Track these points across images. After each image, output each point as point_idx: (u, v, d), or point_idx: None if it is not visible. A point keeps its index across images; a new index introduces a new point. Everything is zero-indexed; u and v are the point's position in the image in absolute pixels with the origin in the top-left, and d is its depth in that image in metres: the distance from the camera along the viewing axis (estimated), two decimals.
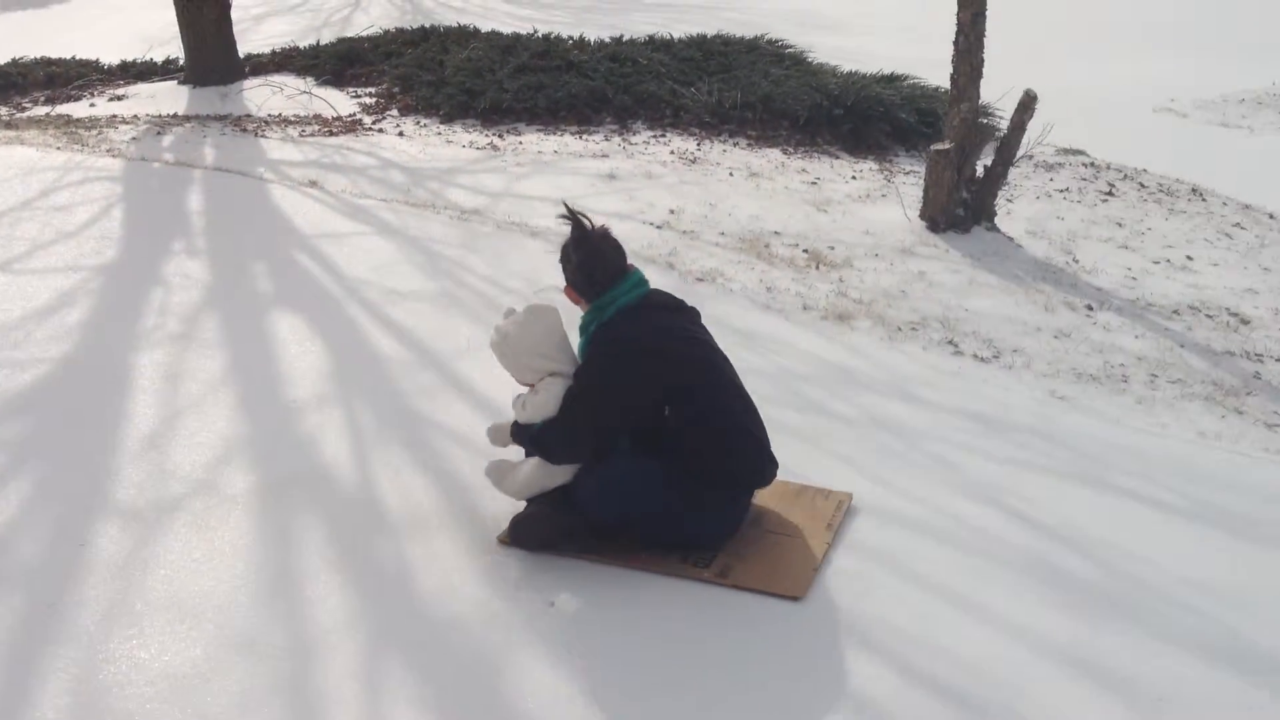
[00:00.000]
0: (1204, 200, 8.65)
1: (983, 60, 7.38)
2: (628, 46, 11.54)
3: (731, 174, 8.41)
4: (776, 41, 12.32)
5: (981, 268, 6.92)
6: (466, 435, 4.62)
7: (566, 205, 3.97)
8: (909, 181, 8.62)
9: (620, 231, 6.97)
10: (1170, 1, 17.23)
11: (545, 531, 3.83)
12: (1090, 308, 6.46)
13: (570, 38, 12.05)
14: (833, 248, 7.05)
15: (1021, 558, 3.99)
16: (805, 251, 6.96)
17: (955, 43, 7.37)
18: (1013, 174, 8.66)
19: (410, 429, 4.70)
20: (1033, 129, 7.55)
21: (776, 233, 7.24)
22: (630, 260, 3.99)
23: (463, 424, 4.72)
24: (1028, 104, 7.33)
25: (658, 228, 7.11)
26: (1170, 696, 3.32)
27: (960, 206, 7.49)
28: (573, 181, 8.00)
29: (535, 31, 12.53)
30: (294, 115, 10.32)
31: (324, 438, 4.62)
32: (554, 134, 9.46)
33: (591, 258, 3.80)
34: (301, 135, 9.48)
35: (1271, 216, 8.38)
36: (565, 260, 3.86)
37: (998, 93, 8.91)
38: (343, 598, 3.66)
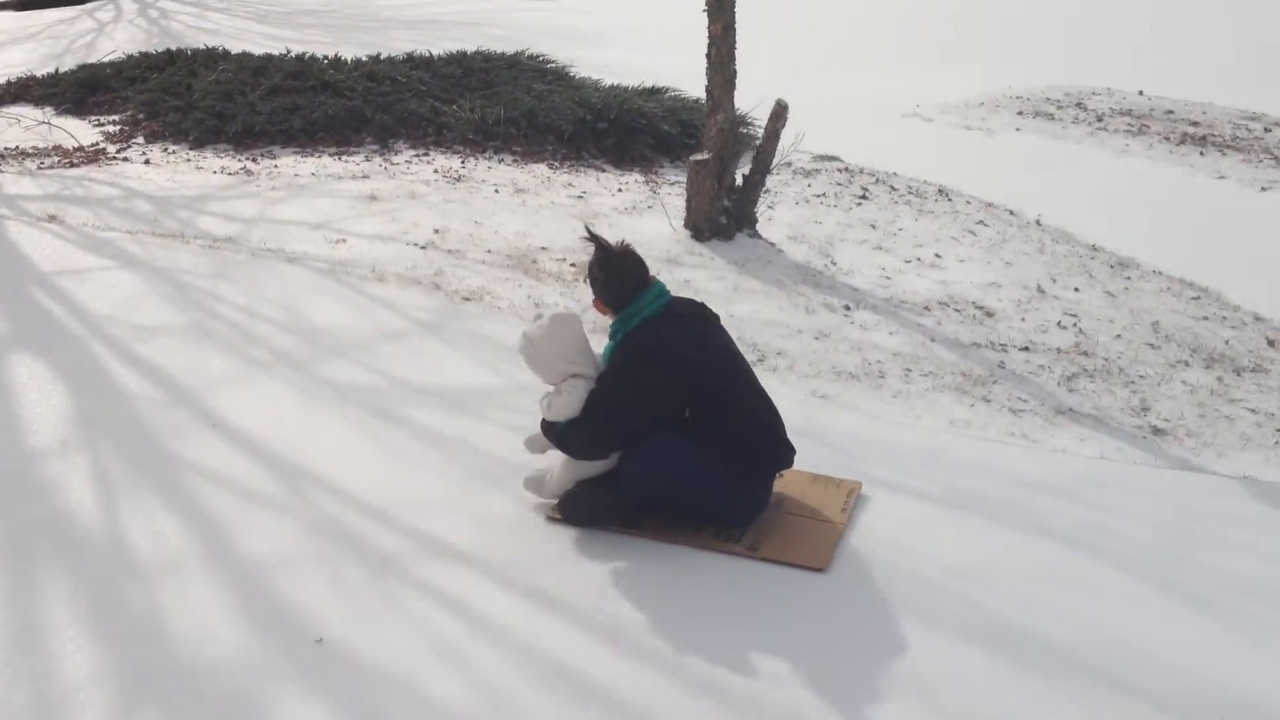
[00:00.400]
0: (950, 200, 9.06)
1: (735, 72, 7.55)
2: (386, 65, 11.37)
3: (497, 191, 8.36)
4: (538, 57, 12.34)
5: (745, 274, 7.07)
6: (221, 472, 4.43)
7: (587, 228, 4.43)
8: (674, 192, 8.74)
9: (381, 254, 6.85)
10: (913, 13, 18.05)
11: (590, 508, 4.14)
12: (848, 308, 6.68)
13: (326, 57, 11.79)
14: None
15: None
16: (573, 266, 6.97)
17: (708, 55, 7.52)
18: (773, 181, 8.90)
19: (161, 470, 4.47)
20: (788, 137, 7.77)
21: (544, 248, 7.23)
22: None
23: (217, 461, 4.52)
24: (780, 113, 7.53)
25: (422, 248, 7.00)
26: (933, 681, 3.43)
27: (723, 215, 7.63)
28: (331, 204, 7.80)
29: (289, 52, 12.21)
30: (32, 147, 9.77)
31: (68, 484, 4.36)
32: (311, 156, 9.23)
33: (616, 274, 4.09)
34: (40, 168, 8.98)
35: (1012, 213, 8.84)
36: (593, 277, 4.14)
37: (756, 103, 9.14)
38: (91, 651, 3.45)
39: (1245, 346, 6.66)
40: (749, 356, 5.86)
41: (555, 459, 4.26)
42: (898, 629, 3.65)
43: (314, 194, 8.11)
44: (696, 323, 4.16)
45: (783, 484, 4.46)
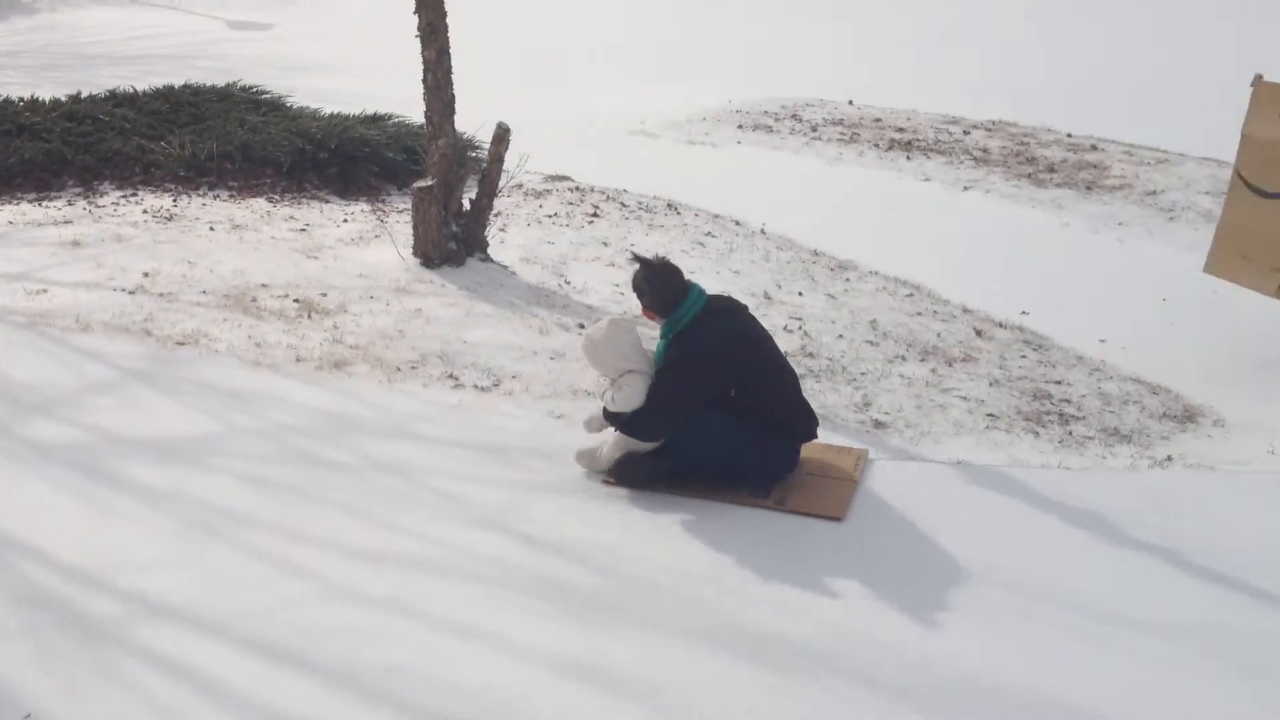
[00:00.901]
0: (679, 214, 9.24)
1: (454, 96, 7.48)
2: (87, 104, 10.76)
3: (213, 228, 8.02)
4: (252, 88, 11.94)
5: (478, 299, 7.00)
6: None
7: (633, 251, 5.32)
8: (402, 220, 8.59)
9: (86, 302, 6.46)
10: (633, 33, 18.40)
11: (644, 474, 4.74)
12: (582, 326, 6.69)
13: (21, 99, 11.08)
14: (325, 294, 6.87)
15: (528, 577, 4.02)
16: (296, 301, 6.74)
17: (424, 81, 7.42)
18: (504, 203, 8.86)
19: None
20: (514, 159, 7.75)
21: (264, 285, 6.97)
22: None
23: None
24: (502, 136, 7.50)
25: (130, 293, 6.63)
26: (667, 686, 3.44)
27: (452, 240, 7.54)
28: (31, 253, 7.31)
29: None
30: None
31: None
32: (8, 204, 8.63)
33: (661, 285, 4.77)
34: None
35: (738, 223, 9.08)
36: (639, 290, 4.81)
37: (480, 125, 9.08)
38: None
39: (956, 338, 7.02)
40: (483, 383, 5.80)
41: (606, 436, 4.88)
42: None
43: (11, 243, 7.58)
44: (733, 315, 4.86)
45: (804, 450, 5.02)
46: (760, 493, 4.74)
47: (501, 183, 7.73)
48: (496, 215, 8.28)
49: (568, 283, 7.47)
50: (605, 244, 8.33)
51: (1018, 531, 4.60)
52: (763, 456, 4.77)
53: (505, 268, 7.63)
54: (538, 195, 9.61)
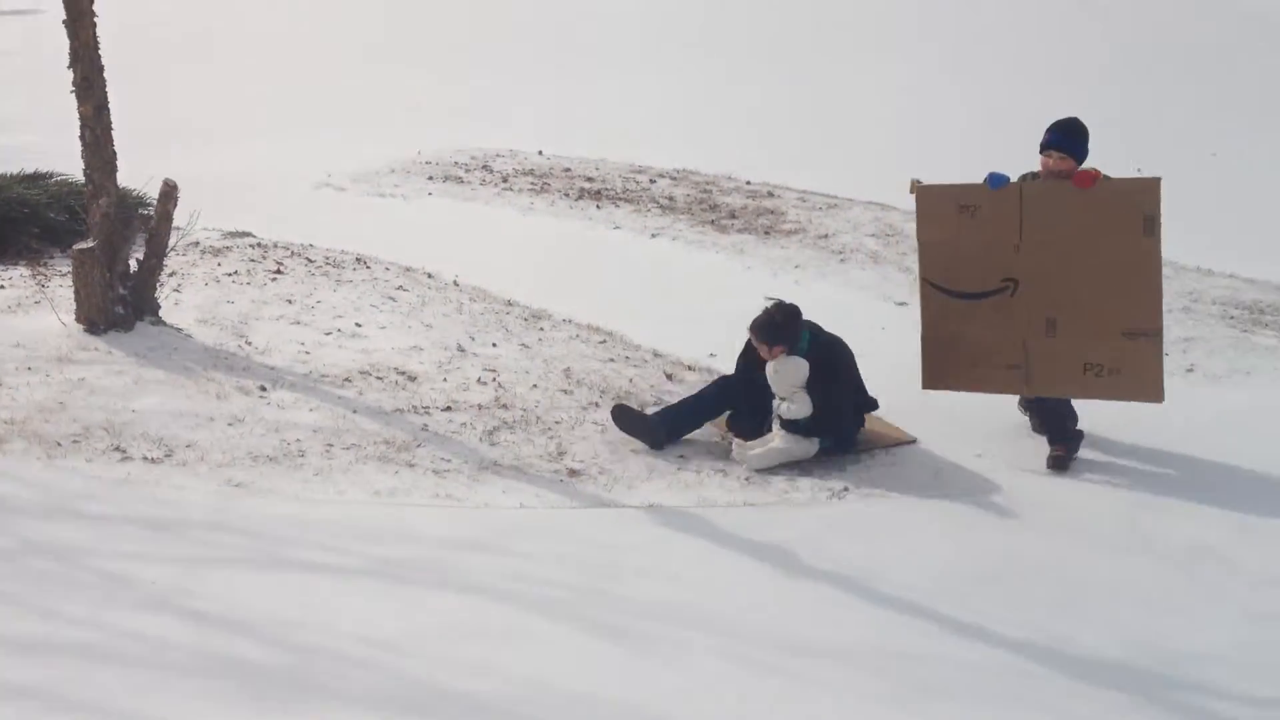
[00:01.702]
0: (369, 268, 9.04)
1: (115, 153, 7.07)
2: None
3: None
4: None
5: (149, 364, 6.61)
6: None
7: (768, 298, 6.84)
8: (65, 285, 8.03)
9: None
10: (307, 81, 18.02)
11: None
12: (264, 388, 6.42)
13: None
14: None
15: (200, 658, 3.78)
16: None
17: (82, 138, 6.99)
18: (179, 262, 8.44)
19: None
20: (190, 214, 7.39)
21: None
22: None
23: None
24: (169, 192, 7.15)
25: None
26: None
27: (119, 304, 7.10)
28: None
29: None
30: None
31: None
32: None
33: (793, 323, 6.18)
34: None
35: (430, 276, 8.96)
36: (776, 325, 6.16)
37: (146, 181, 8.63)
38: None
39: (648, 382, 7.14)
40: (154, 454, 5.47)
41: (770, 442, 6.02)
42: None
43: None
44: (833, 336, 6.31)
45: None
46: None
47: (173, 241, 7.36)
48: (171, 275, 7.88)
49: (249, 343, 7.17)
50: (290, 301, 8.05)
51: (706, 571, 4.69)
52: (851, 429, 6.29)
53: (180, 330, 7.24)
54: (216, 253, 9.21)
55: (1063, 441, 6.06)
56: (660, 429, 6.17)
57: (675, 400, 6.60)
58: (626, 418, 6.21)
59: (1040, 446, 6.10)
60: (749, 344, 6.43)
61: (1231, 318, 7.90)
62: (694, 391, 6.65)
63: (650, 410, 6.44)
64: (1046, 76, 14.84)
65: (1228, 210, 9.98)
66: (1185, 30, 16.68)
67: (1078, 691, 4.05)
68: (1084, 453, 6.11)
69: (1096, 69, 14.96)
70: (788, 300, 6.48)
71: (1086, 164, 5.92)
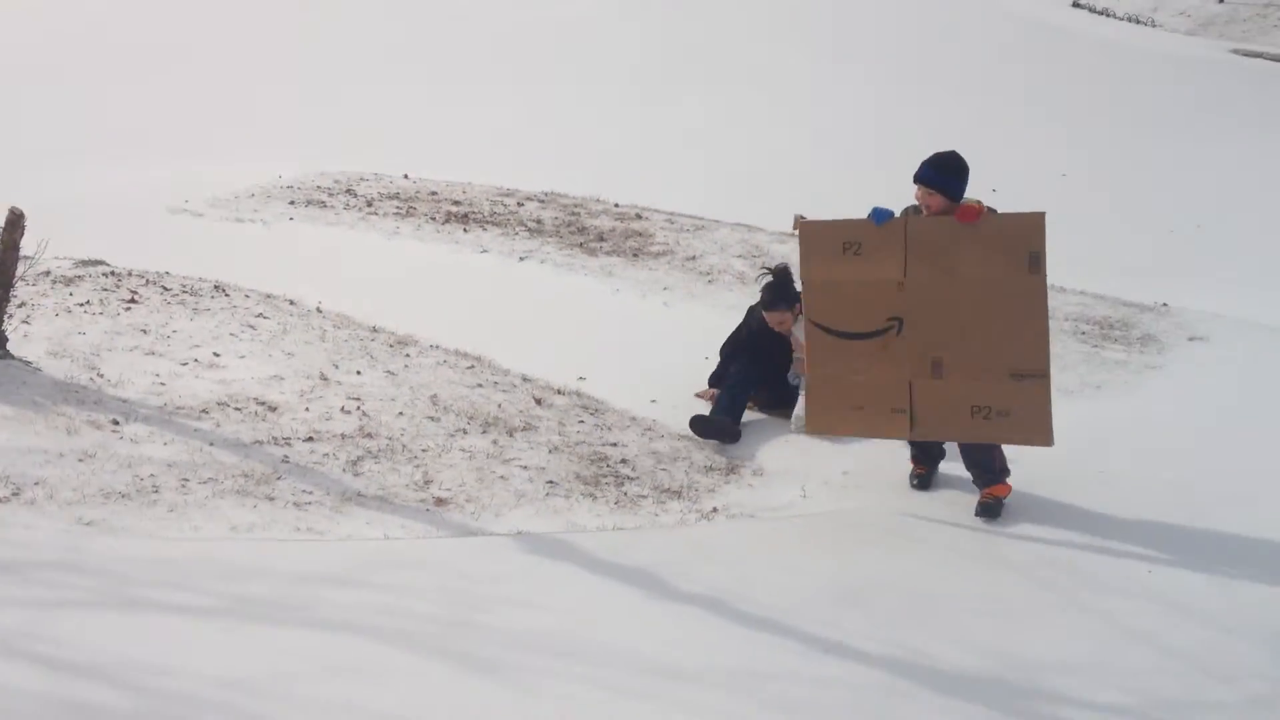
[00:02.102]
0: (228, 295, 8.83)
1: None
2: None
3: None
4: None
5: None
6: None
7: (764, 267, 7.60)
8: None
9: None
10: (173, 105, 17.56)
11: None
12: (117, 422, 6.21)
13: None
14: None
15: (49, 707, 3.62)
16: None
17: None
18: (28, 292, 8.13)
19: None
20: (38, 244, 7.12)
21: None
22: None
23: None
24: (15, 221, 6.87)
25: None
26: None
27: None
28: None
29: None
30: None
31: None
32: None
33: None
34: None
35: (292, 303, 8.78)
36: (794, 293, 6.41)
37: None
38: None
39: (516, 407, 7.10)
40: (1, 491, 5.24)
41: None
42: None
43: None
44: None
45: None
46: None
47: (21, 270, 7.08)
48: (19, 306, 7.59)
49: (101, 376, 6.93)
50: (144, 331, 7.81)
51: (575, 598, 4.66)
52: None
53: (29, 363, 6.97)
54: (67, 282, 8.89)
55: (992, 484, 5.83)
56: (736, 426, 6.88)
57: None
58: (705, 425, 6.84)
59: (904, 464, 6.22)
60: (751, 318, 7.37)
61: (1083, 333, 8.16)
62: (725, 382, 7.23)
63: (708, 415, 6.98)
64: (902, 97, 15.21)
65: (1078, 230, 10.33)
66: (1033, 53, 17.26)
67: (940, 706, 4.13)
68: (940, 467, 6.23)
69: (950, 90, 15.39)
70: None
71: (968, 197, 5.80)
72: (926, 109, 14.74)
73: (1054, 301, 8.71)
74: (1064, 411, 7.11)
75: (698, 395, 7.51)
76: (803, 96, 15.85)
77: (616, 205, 11.47)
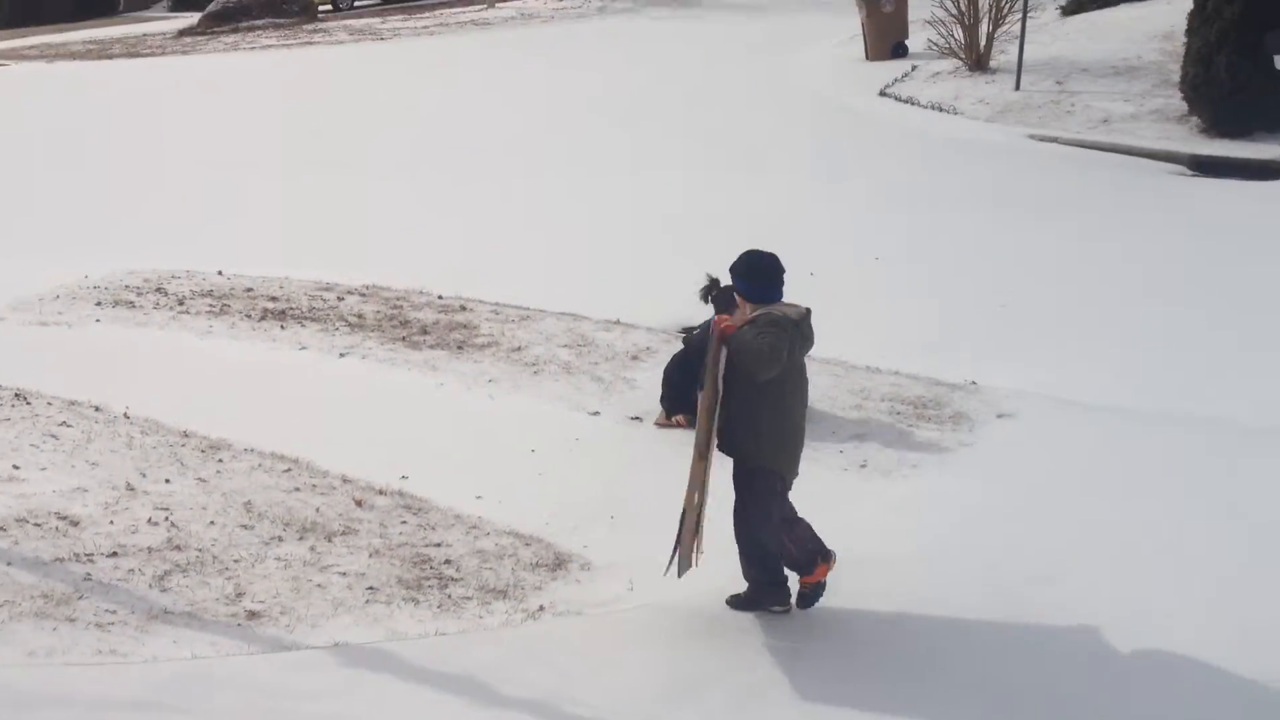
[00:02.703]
0: (29, 404, 8.43)
1: None
2: None
3: None
4: None
5: None
6: None
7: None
8: None
9: None
10: None
11: None
12: None
13: None
14: None
15: None
16: None
17: None
18: None
19: None
20: None
21: None
22: None
23: None
24: None
25: None
26: None
27: None
28: None
29: None
30: None
31: None
32: None
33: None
34: None
35: (98, 409, 8.43)
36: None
37: None
38: None
39: (335, 511, 6.92)
40: None
41: None
42: None
43: None
44: None
45: None
46: None
47: None
48: None
49: None
50: None
51: (395, 711, 4.52)
52: None
53: None
54: None
55: (805, 573, 5.75)
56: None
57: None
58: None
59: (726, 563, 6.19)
60: (692, 339, 8.10)
61: (898, 413, 8.39)
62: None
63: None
64: (716, 181, 15.56)
65: (892, 310, 10.64)
66: (844, 139, 17.89)
67: None
68: None
69: (766, 174, 15.81)
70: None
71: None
72: (744, 193, 15.11)
73: (869, 383, 8.99)
74: (883, 492, 7.30)
75: (659, 424, 8.22)
76: (620, 179, 16.06)
77: (440, 297, 11.38)
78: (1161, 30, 19.89)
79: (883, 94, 20.49)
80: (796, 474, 5.82)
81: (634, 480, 7.39)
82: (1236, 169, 14.87)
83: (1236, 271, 11.55)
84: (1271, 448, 7.84)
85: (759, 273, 5.72)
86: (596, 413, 8.59)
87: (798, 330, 5.60)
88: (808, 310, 5.73)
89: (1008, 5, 20.03)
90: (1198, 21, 15.79)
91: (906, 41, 23.15)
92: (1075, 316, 10.60)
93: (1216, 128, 15.76)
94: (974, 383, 8.92)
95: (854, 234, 10.77)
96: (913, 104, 19.65)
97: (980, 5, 20.16)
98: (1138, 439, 7.99)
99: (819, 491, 7.29)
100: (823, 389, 8.83)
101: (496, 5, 34.91)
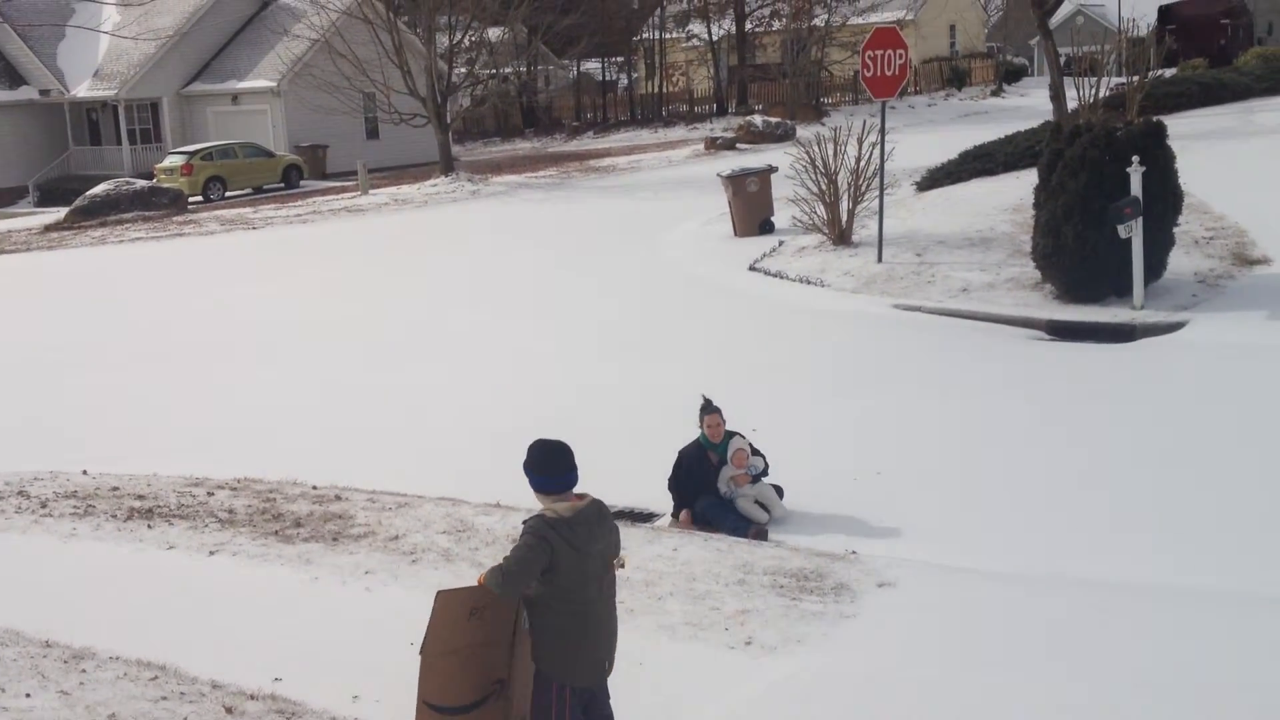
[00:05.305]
0: None
1: None
2: None
3: None
4: None
5: None
6: None
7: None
8: None
9: None
10: None
11: None
12: None
13: None
14: None
15: None
16: None
17: None
18: None
19: None
20: None
21: None
22: None
23: None
24: None
25: None
26: None
27: None
28: None
29: None
30: None
31: None
32: None
33: None
34: None
35: None
36: None
37: None
38: None
39: None
40: None
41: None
42: None
43: None
44: None
45: None
46: None
47: None
48: None
49: None
50: None
51: None
52: None
53: None
54: None
55: None
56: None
57: None
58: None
59: None
60: (682, 457, 10.31)
61: (781, 586, 8.38)
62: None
63: None
64: (595, 357, 15.73)
65: (775, 479, 10.75)
66: (717, 314, 18.29)
67: None
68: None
69: (643, 353, 16.05)
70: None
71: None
72: (621, 372, 15.26)
73: (751, 557, 8.99)
74: (769, 669, 7.23)
75: (678, 526, 10.18)
76: (497, 362, 16.13)
77: (315, 487, 11.17)
78: (1011, 204, 20.94)
79: (752, 269, 21.08)
80: (599, 681, 5.69)
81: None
82: (1091, 332, 15.50)
83: (1103, 430, 11.96)
84: (1157, 605, 8.02)
85: (543, 465, 5.61)
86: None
87: (571, 530, 5.41)
88: (595, 502, 5.60)
89: (865, 183, 20.91)
90: (1044, 195, 16.62)
91: (773, 218, 23.99)
92: (951, 481, 10.82)
93: (1069, 294, 16.46)
94: (854, 552, 8.99)
95: (739, 409, 10.90)
96: (781, 278, 20.22)
97: (840, 184, 21.01)
98: (1015, 604, 8.10)
99: (705, 672, 7.25)
100: (705, 565, 8.83)
101: (369, 191, 35.35)
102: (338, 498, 10.81)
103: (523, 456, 5.67)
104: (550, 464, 5.61)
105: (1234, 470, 10.57)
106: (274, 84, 44.29)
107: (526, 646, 5.61)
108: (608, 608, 5.72)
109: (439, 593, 5.78)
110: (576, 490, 5.69)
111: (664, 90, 61.24)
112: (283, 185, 39.46)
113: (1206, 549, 9.05)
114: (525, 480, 5.65)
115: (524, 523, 5.57)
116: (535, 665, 5.61)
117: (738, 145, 42.02)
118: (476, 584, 5.63)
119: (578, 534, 5.47)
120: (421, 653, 5.65)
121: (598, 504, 5.66)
